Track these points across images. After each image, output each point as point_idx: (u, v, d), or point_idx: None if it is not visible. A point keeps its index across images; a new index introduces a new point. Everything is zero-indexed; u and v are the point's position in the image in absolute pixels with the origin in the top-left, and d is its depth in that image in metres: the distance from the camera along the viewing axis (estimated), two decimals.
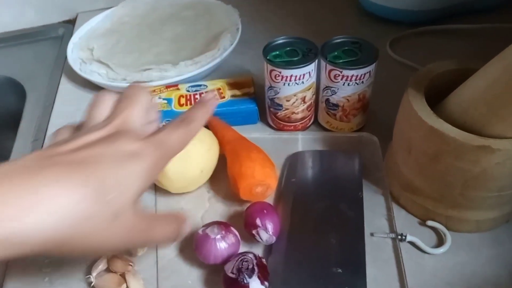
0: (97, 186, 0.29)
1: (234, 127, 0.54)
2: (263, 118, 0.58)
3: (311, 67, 0.50)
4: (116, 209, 0.30)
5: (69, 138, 0.33)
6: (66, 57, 0.69)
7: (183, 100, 0.58)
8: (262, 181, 0.45)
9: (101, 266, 0.42)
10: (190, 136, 0.36)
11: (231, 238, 0.41)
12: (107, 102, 0.36)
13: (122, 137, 0.32)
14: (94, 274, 0.42)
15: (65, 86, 0.69)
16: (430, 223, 0.44)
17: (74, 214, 0.28)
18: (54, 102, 0.66)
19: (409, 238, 0.43)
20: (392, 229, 0.44)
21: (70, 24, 0.84)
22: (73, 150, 0.31)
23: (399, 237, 0.43)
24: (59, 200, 0.28)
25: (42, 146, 0.58)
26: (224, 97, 0.58)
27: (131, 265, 0.41)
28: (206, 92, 0.58)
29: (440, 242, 0.43)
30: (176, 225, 0.34)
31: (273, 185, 0.46)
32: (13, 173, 0.28)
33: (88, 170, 0.30)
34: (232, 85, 0.59)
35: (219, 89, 0.59)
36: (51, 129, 0.61)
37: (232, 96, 0.58)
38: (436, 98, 0.42)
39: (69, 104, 0.65)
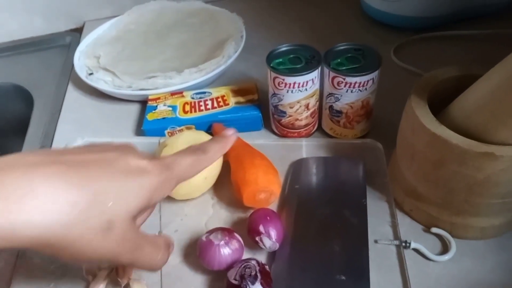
0: (96, 191, 0.29)
1: (238, 134, 0.54)
2: (267, 125, 0.58)
3: (314, 74, 0.50)
4: (112, 219, 0.29)
5: (85, 145, 0.33)
6: (73, 65, 0.70)
7: (187, 107, 0.58)
8: (265, 188, 0.45)
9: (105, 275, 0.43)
10: (201, 165, 0.37)
11: (234, 244, 0.41)
12: None
13: (133, 152, 0.33)
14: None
15: (72, 94, 0.70)
16: (434, 230, 0.44)
17: (68, 216, 0.28)
18: (61, 109, 0.67)
19: (413, 245, 0.43)
20: (396, 236, 0.44)
21: (77, 32, 0.86)
22: (81, 152, 0.31)
23: (403, 244, 0.43)
24: (53, 199, 0.27)
25: None
26: (228, 104, 0.58)
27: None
28: (210, 98, 0.59)
29: (445, 249, 0.43)
30: (164, 253, 0.34)
31: (276, 191, 0.47)
32: (16, 165, 0.28)
33: (90, 173, 0.30)
34: (236, 92, 0.60)
35: (223, 96, 0.59)
36: (58, 136, 0.62)
37: (236, 103, 0.58)
38: (439, 105, 0.42)
39: (75, 111, 0.66)
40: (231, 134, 0.41)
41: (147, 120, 0.58)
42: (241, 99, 0.59)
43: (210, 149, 0.38)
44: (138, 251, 0.32)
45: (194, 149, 0.37)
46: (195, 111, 0.58)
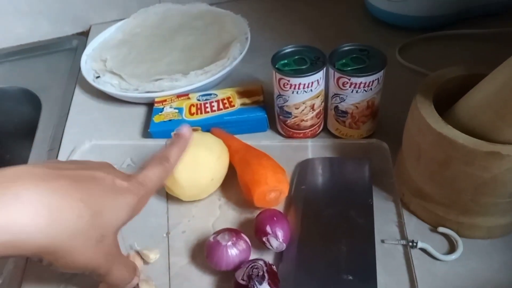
0: (95, 206, 0.33)
1: (244, 135, 0.55)
2: (272, 126, 0.59)
3: (320, 75, 0.50)
4: (104, 232, 0.33)
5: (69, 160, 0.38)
6: (80, 68, 0.71)
7: (193, 109, 0.59)
8: (275, 187, 0.46)
9: None
10: (167, 174, 0.41)
11: (242, 245, 0.41)
12: None
13: (115, 172, 0.37)
14: None
15: (79, 97, 0.70)
16: (441, 229, 0.44)
17: (74, 226, 0.31)
18: (68, 112, 0.68)
19: (420, 244, 0.43)
20: (403, 235, 0.44)
21: (84, 36, 0.86)
22: (74, 168, 0.34)
23: (410, 243, 0.43)
24: (62, 211, 0.31)
25: (57, 156, 0.60)
26: (234, 106, 0.58)
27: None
28: (216, 100, 0.59)
29: (452, 248, 0.43)
30: (131, 274, 0.38)
31: (285, 190, 0.47)
32: (25, 177, 0.31)
33: (88, 189, 0.33)
34: (242, 94, 0.60)
35: (229, 97, 0.59)
36: (66, 139, 0.62)
37: (242, 104, 0.58)
38: (445, 104, 0.42)
39: (83, 114, 0.67)
40: (185, 132, 0.44)
41: (154, 122, 0.58)
42: (246, 100, 0.59)
43: (172, 155, 0.41)
44: (115, 265, 0.36)
45: (159, 159, 0.40)
46: (201, 113, 0.58)
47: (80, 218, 0.31)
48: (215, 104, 0.59)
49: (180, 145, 0.43)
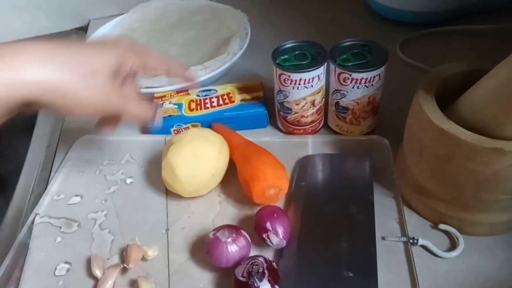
0: (79, 49, 0.39)
1: (243, 131, 0.54)
2: (272, 122, 0.58)
3: (320, 71, 0.50)
4: (95, 68, 0.39)
5: None
6: None
7: (193, 105, 0.58)
8: (275, 183, 0.45)
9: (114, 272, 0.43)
10: (162, 67, 0.47)
11: (241, 241, 0.41)
12: None
13: (119, 36, 0.46)
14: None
15: None
16: (442, 226, 0.44)
17: (67, 65, 0.37)
18: None
19: (421, 241, 0.42)
20: (403, 232, 0.44)
21: (82, 31, 0.86)
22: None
23: (411, 240, 0.43)
24: (59, 53, 0.37)
25: (55, 152, 0.59)
26: (234, 102, 0.58)
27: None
28: (215, 96, 0.59)
29: (453, 245, 0.43)
30: (147, 110, 0.44)
31: (285, 186, 0.46)
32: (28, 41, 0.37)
33: (81, 46, 0.41)
34: (242, 89, 0.59)
35: (229, 93, 0.59)
36: (64, 135, 0.62)
37: (242, 100, 0.58)
38: (447, 100, 0.42)
39: None
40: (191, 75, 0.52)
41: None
42: (246, 96, 0.59)
43: (174, 69, 0.49)
44: (123, 102, 0.41)
45: (167, 57, 0.47)
46: (200, 108, 0.58)
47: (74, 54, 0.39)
48: (214, 99, 0.58)
49: (185, 75, 0.50)
